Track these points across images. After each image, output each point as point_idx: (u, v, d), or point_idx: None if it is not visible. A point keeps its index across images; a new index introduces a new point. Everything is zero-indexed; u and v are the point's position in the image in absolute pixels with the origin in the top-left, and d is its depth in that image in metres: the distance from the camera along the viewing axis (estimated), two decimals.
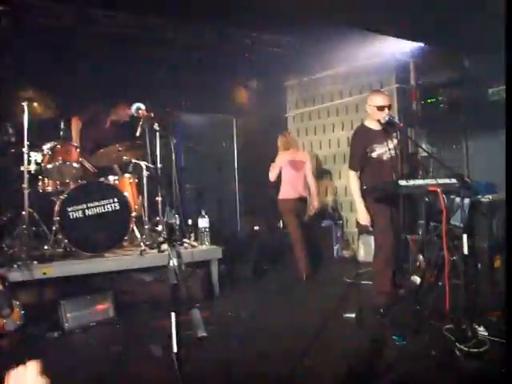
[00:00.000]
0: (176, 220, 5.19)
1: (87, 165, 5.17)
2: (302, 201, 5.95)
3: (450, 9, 5.05)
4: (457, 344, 3.27)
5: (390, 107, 4.23)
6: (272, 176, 5.97)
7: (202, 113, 7.87)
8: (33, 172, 4.70)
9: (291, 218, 5.91)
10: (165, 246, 1.79)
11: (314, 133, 8.18)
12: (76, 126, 5.54)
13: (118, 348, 3.58)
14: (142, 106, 2.37)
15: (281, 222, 7.14)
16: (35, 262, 4.22)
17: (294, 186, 5.88)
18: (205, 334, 1.50)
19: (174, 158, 5.61)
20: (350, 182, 4.33)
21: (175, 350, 1.60)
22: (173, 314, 1.58)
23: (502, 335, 3.33)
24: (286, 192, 5.90)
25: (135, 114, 2.35)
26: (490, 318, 3.80)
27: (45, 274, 4.11)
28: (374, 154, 4.24)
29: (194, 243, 5.20)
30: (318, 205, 6.05)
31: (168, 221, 1.67)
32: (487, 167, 5.93)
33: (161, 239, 4.60)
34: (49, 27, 5.83)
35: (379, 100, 4.22)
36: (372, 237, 6.48)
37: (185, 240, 5.20)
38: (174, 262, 1.60)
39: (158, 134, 5.24)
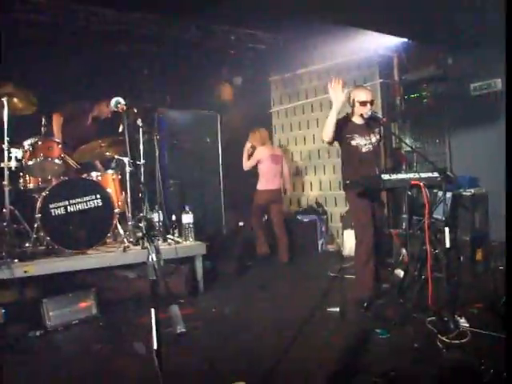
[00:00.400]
0: (159, 216, 5.16)
1: (70, 161, 5.11)
2: (279, 192, 6.56)
3: (433, 5, 5.08)
4: (439, 336, 3.31)
5: (372, 102, 4.25)
6: (247, 166, 6.53)
7: (186, 109, 7.83)
8: (13, 169, 4.61)
9: (262, 208, 6.54)
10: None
11: (299, 128, 8.20)
12: (57, 122, 5.47)
13: (101, 346, 3.55)
14: (122, 101, 2.33)
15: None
16: (16, 260, 4.15)
17: (273, 179, 6.43)
18: (184, 330, 1.49)
19: (157, 154, 5.59)
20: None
21: (155, 346, 1.58)
22: (152, 311, 1.56)
23: (482, 326, 3.40)
24: (267, 183, 6.42)
25: (114, 109, 2.31)
26: (472, 309, 3.87)
27: (26, 272, 4.04)
28: (354, 143, 4.28)
29: (178, 239, 5.17)
30: (291, 188, 7.21)
31: (147, 216, 1.65)
32: (469, 161, 6.00)
33: (140, 234, 4.57)
34: (31, 22, 5.74)
35: (362, 95, 4.25)
36: None
37: (168, 236, 5.17)
38: (152, 258, 1.58)
39: (140, 129, 5.21)
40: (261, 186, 6.48)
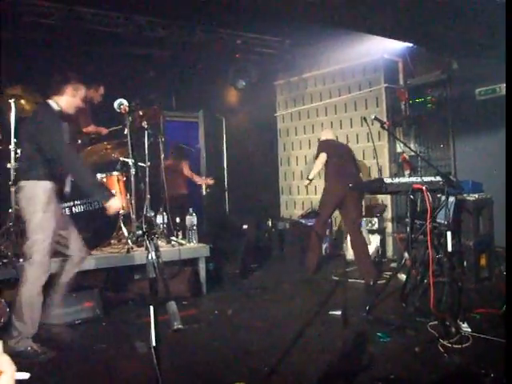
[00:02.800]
0: (163, 218, 5.19)
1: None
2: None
3: (438, 10, 5.09)
4: (440, 340, 3.31)
5: None
6: None
7: (191, 112, 7.88)
8: None
9: None
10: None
11: (304, 132, 8.22)
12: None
13: (103, 345, 3.57)
14: (125, 102, 2.35)
15: (270, 221, 7.18)
16: (21, 260, 4.19)
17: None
18: (180, 326, 1.51)
19: (162, 156, 5.63)
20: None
21: (153, 343, 1.60)
22: (151, 308, 1.58)
23: (484, 331, 3.39)
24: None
25: (117, 110, 2.33)
26: (474, 314, 3.85)
27: None
28: None
29: (182, 241, 5.20)
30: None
31: (147, 214, 1.67)
32: (474, 166, 5.99)
33: (140, 232, 4.59)
34: (38, 25, 5.81)
35: None
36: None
37: (172, 238, 5.20)
38: (152, 256, 1.61)
39: (146, 132, 5.26)
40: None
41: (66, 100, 3.51)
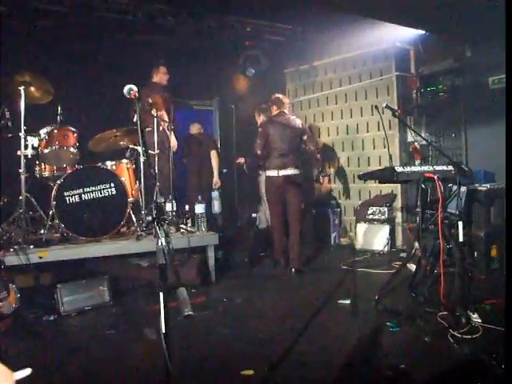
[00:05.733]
0: (172, 206, 5.19)
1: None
2: None
3: None
4: (450, 330, 3.29)
5: None
6: None
7: (201, 100, 7.85)
8: (30, 157, 4.68)
9: None
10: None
11: (313, 120, 8.15)
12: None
13: (113, 331, 3.60)
14: (135, 88, 2.33)
15: None
16: (32, 247, 4.22)
17: None
18: (191, 313, 1.50)
19: (171, 143, 5.62)
20: None
21: (163, 330, 1.60)
22: (161, 294, 1.58)
23: (495, 322, 3.36)
24: None
25: (127, 96, 2.31)
26: (484, 305, 3.82)
27: (41, 257, 4.11)
28: None
29: (191, 229, 5.20)
30: None
31: (157, 200, 1.65)
32: (487, 156, 5.91)
33: (149, 218, 4.60)
34: (47, 11, 5.79)
35: None
36: (369, 225, 6.62)
37: (181, 226, 5.20)
38: (162, 242, 1.60)
39: (155, 119, 5.24)
40: None
41: None
